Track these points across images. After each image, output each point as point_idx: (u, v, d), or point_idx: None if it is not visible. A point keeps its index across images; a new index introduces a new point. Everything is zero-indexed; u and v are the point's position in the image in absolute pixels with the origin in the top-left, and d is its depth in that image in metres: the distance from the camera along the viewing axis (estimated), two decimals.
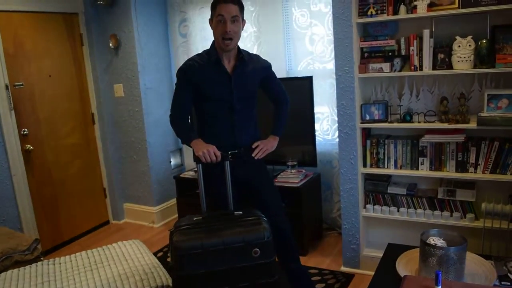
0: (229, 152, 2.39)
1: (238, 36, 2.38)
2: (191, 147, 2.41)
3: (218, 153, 2.30)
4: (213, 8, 2.34)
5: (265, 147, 2.50)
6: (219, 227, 2.11)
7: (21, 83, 3.67)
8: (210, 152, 2.28)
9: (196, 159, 2.30)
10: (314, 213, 3.74)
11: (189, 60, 2.48)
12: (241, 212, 2.23)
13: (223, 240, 2.03)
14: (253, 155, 2.45)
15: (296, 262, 2.68)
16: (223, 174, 2.32)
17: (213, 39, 2.45)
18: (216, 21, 2.33)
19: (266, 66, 2.58)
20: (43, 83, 3.88)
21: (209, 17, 2.41)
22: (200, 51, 4.22)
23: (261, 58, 2.60)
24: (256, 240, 2.06)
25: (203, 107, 2.49)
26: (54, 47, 3.97)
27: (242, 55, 2.45)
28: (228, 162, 2.31)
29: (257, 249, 2.05)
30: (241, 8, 2.37)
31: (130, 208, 4.62)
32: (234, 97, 2.42)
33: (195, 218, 2.18)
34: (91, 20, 4.19)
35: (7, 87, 3.52)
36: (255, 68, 2.51)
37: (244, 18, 2.43)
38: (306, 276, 2.80)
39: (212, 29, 2.40)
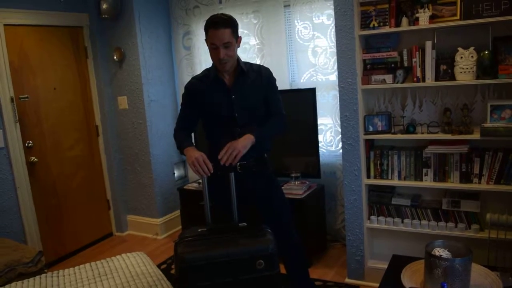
0: (237, 164, 2.37)
1: (234, 58, 2.37)
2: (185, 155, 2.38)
3: (208, 162, 2.23)
4: (206, 32, 2.32)
5: (230, 148, 2.23)
6: (223, 239, 2.10)
7: (26, 95, 3.70)
8: (199, 159, 2.20)
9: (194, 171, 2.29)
10: (318, 224, 3.73)
11: (192, 78, 2.53)
12: (245, 224, 2.22)
13: (227, 252, 2.02)
14: (221, 163, 2.24)
15: (304, 275, 2.67)
16: (229, 186, 2.31)
17: None
18: (210, 47, 2.32)
19: (267, 75, 2.52)
20: (48, 96, 3.91)
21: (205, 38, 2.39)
22: (203, 64, 4.29)
23: (263, 68, 2.54)
24: (260, 252, 2.03)
25: (209, 125, 2.51)
26: (59, 60, 4.01)
27: (241, 67, 2.43)
28: (232, 174, 2.30)
29: (261, 261, 2.02)
30: (234, 29, 2.30)
31: (134, 220, 4.62)
32: (235, 110, 2.41)
33: (200, 230, 2.17)
34: (95, 34, 4.24)
35: (12, 99, 3.55)
36: (257, 79, 2.48)
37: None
38: None
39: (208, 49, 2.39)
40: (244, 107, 2.44)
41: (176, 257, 2.05)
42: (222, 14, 2.33)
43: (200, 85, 2.45)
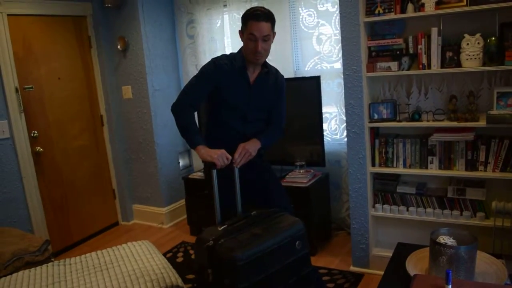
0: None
1: (268, 52, 2.36)
2: (193, 149, 2.37)
3: (229, 156, 2.28)
4: (244, 23, 2.30)
5: (244, 151, 2.33)
6: (259, 229, 2.04)
7: (30, 86, 3.71)
8: (224, 155, 2.25)
9: (211, 164, 2.25)
10: (323, 213, 3.73)
11: (220, 59, 2.43)
12: (255, 212, 2.20)
13: (275, 239, 1.98)
14: (235, 165, 2.30)
15: None
16: (230, 178, 2.31)
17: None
18: (247, 38, 2.29)
19: (281, 83, 2.55)
20: (52, 86, 3.91)
21: (239, 29, 2.37)
22: (207, 52, 4.26)
23: (279, 74, 2.56)
24: (298, 232, 2.06)
25: (218, 112, 2.47)
26: (63, 50, 4.00)
27: (268, 69, 2.44)
28: (237, 167, 2.30)
29: (299, 241, 2.04)
30: (273, 23, 2.32)
31: (139, 209, 4.64)
32: (249, 107, 2.41)
33: (220, 228, 2.07)
34: (99, 23, 4.22)
35: (17, 90, 3.55)
36: (274, 83, 2.50)
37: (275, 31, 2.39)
38: (317, 276, 2.79)
39: (242, 41, 2.36)
40: (257, 105, 2.45)
41: (222, 260, 1.91)
42: (262, 7, 2.33)
43: (227, 69, 2.39)
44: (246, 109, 2.42)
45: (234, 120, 2.44)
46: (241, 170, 2.35)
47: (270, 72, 2.48)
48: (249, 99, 2.41)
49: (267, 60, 2.48)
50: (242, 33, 2.36)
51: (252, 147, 2.37)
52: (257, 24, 2.24)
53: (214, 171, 2.24)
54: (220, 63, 2.40)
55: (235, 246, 1.90)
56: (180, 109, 2.45)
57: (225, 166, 2.28)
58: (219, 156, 2.24)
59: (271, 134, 2.56)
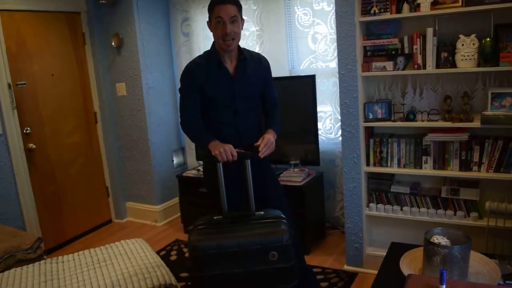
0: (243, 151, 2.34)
1: (238, 36, 2.34)
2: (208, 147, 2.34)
3: (235, 152, 2.25)
4: (211, 10, 2.30)
5: (269, 143, 2.30)
6: (237, 228, 2.05)
7: (23, 82, 3.68)
8: (227, 151, 2.22)
9: (214, 158, 2.23)
10: (317, 212, 3.74)
11: (191, 62, 2.44)
12: (262, 213, 2.17)
13: (238, 242, 1.97)
14: (260, 155, 2.28)
15: (301, 261, 2.68)
16: (235, 174, 2.29)
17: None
18: (215, 23, 2.28)
19: (266, 66, 2.53)
20: (45, 82, 3.88)
21: (207, 20, 2.37)
22: (202, 50, 4.23)
23: (263, 57, 2.54)
24: (274, 243, 1.98)
25: (207, 112, 2.46)
26: (57, 46, 3.97)
27: (244, 55, 2.41)
28: (249, 161, 2.26)
29: (274, 252, 1.98)
30: (239, 7, 2.32)
31: (133, 207, 4.62)
32: (236, 98, 2.39)
33: (215, 217, 2.12)
34: (93, 19, 4.19)
35: (9, 86, 3.52)
36: (257, 67, 2.47)
37: (245, 17, 2.38)
38: (311, 274, 2.79)
39: (211, 31, 2.36)
40: (244, 95, 2.41)
41: (188, 245, 2.03)
42: None
43: (201, 67, 2.38)
44: (234, 101, 2.39)
45: (225, 115, 2.42)
46: (241, 169, 2.33)
47: (249, 58, 2.44)
48: (234, 90, 2.39)
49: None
50: (210, 22, 2.35)
51: (273, 137, 2.36)
52: (224, 7, 2.24)
53: (220, 164, 2.22)
54: (190, 65, 2.41)
55: (202, 238, 2.00)
56: (186, 127, 2.49)
57: (233, 162, 2.24)
58: (220, 153, 2.22)
59: (277, 118, 2.54)
